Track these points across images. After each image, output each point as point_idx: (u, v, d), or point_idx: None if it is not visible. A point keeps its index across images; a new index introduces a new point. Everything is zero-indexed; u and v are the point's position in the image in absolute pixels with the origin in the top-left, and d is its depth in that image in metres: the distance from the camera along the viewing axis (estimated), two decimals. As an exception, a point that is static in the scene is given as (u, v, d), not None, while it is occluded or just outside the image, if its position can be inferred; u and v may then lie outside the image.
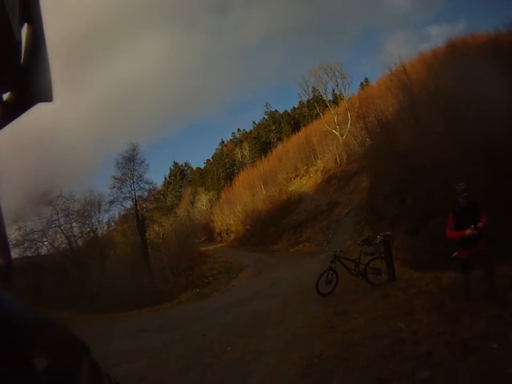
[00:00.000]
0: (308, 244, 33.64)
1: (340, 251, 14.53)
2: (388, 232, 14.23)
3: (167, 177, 76.98)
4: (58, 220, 33.19)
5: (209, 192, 67.05)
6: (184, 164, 78.95)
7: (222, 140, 77.18)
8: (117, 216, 40.09)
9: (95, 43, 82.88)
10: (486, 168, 16.27)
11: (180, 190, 74.20)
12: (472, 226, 7.89)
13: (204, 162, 77.10)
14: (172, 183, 75.77)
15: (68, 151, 53.04)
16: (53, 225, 33.02)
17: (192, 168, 78.62)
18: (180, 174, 77.06)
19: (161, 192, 63.10)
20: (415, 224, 19.68)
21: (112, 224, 39.73)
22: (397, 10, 75.63)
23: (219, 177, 70.19)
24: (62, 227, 33.33)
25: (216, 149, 76.55)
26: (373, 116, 34.51)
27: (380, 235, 13.98)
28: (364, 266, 13.34)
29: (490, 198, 14.43)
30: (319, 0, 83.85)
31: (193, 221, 58.88)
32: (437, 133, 20.24)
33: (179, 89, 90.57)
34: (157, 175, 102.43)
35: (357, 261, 13.59)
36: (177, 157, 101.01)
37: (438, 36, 78.13)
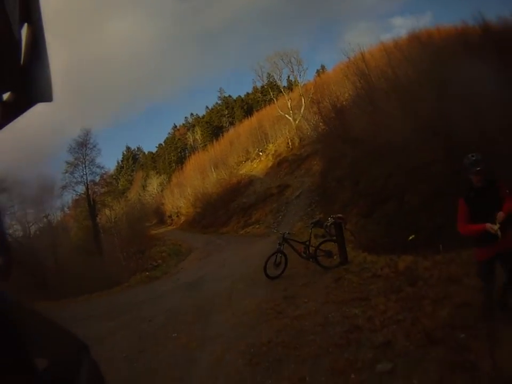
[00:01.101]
0: (258, 226, 33.18)
1: (288, 233, 13.85)
2: (339, 215, 13.64)
3: (120, 161, 75.39)
4: (13, 206, 31.67)
5: (160, 176, 65.90)
6: (136, 148, 77.14)
7: (174, 124, 74.67)
8: (69, 201, 39.18)
9: (51, 24, 79.11)
10: (444, 154, 16.12)
11: (132, 174, 72.33)
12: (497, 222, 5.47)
13: (156, 147, 75.34)
14: (124, 167, 73.81)
15: (22, 136, 51.02)
16: (8, 212, 31.33)
17: (144, 153, 77.07)
18: (132, 158, 75.38)
19: (114, 177, 62.71)
20: (369, 207, 19.55)
21: (65, 209, 39.22)
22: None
23: (170, 161, 68.93)
24: (16, 214, 32.07)
25: (169, 133, 74.25)
26: (327, 101, 34.17)
27: (331, 217, 13.40)
28: (314, 248, 12.83)
29: (448, 186, 14.01)
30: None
31: (145, 205, 57.85)
32: (394, 118, 20.05)
33: (135, 72, 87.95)
34: (110, 160, 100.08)
35: (307, 243, 13.08)
36: (130, 142, 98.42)
37: (401, 27, 77.73)
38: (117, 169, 71.15)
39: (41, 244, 32.07)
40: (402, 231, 14.49)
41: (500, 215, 5.50)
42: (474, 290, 6.58)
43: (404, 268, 9.61)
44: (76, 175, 36.29)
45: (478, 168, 5.67)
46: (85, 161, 36.43)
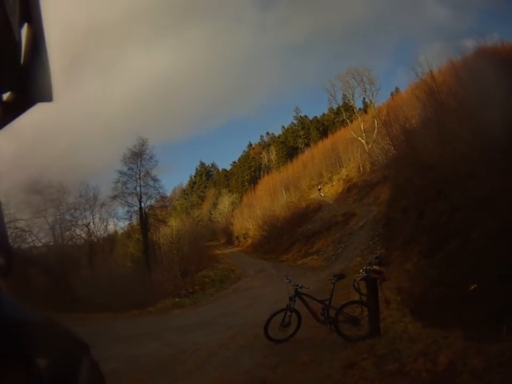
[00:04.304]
0: (316, 257, 31.21)
1: (300, 286, 10.42)
2: (376, 267, 10.34)
3: (193, 176, 75.76)
4: (46, 210, 30.76)
5: (232, 194, 65.44)
6: (210, 165, 77.94)
7: (250, 142, 75.95)
8: (120, 212, 38.43)
9: (129, 32, 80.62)
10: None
11: (204, 190, 72.79)
12: None
13: (230, 164, 76.02)
14: (197, 183, 74.41)
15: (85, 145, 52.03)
16: (40, 216, 30.61)
17: (218, 169, 77.67)
18: (205, 175, 75.61)
19: (186, 191, 68.43)
20: (432, 246, 16.52)
21: (113, 220, 39.10)
22: (435, 22, 72.00)
23: (243, 180, 68.55)
24: (48, 218, 31.07)
25: (244, 151, 75.77)
26: (397, 123, 31.99)
27: (363, 270, 9.97)
28: (335, 311, 9.53)
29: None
30: (360, 6, 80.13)
31: (214, 223, 58.94)
32: (462, 141, 17.53)
33: (212, 88, 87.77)
34: (183, 174, 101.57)
35: (327, 302, 9.79)
36: (205, 157, 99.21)
37: (471, 48, 74.84)
38: (189, 184, 73.38)
39: (78, 252, 31.73)
40: (463, 278, 11.62)
41: None
42: None
43: (444, 365, 6.18)
44: (129, 186, 35.44)
45: None
46: (140, 172, 35.46)
